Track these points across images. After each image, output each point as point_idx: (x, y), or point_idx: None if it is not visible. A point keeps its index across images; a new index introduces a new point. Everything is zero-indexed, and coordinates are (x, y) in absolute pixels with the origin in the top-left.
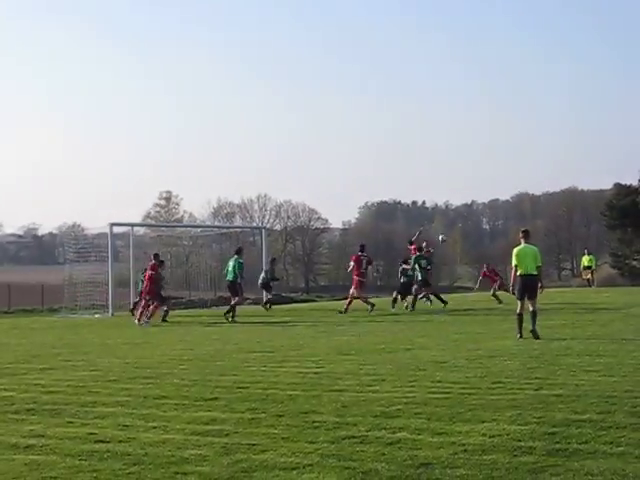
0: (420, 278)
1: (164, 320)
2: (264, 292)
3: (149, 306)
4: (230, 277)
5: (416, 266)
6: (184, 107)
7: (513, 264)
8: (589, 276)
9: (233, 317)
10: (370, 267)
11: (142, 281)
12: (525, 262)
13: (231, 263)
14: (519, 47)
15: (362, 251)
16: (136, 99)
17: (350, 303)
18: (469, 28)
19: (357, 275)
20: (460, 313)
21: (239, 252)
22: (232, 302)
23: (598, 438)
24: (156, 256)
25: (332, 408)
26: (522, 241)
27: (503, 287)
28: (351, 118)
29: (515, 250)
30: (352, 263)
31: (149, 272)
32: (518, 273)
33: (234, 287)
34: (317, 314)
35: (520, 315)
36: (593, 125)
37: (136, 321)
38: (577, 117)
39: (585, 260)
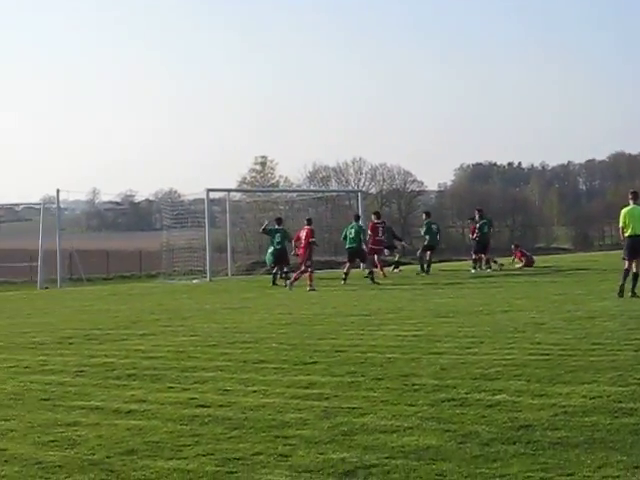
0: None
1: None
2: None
3: (306, 271)
4: (354, 244)
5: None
6: (279, 71)
7: (620, 225)
8: None
9: (372, 279)
10: (384, 234)
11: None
12: (633, 223)
13: (353, 230)
14: None
15: (378, 218)
16: (233, 63)
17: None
18: None
19: (373, 243)
20: (559, 275)
21: (357, 218)
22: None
23: None
24: (309, 221)
25: (431, 371)
26: (631, 202)
27: (529, 264)
28: (444, 79)
29: (623, 211)
30: (369, 232)
31: (308, 239)
32: (626, 234)
33: (361, 253)
34: (414, 276)
35: (626, 272)
36: None
37: (288, 283)
38: None
39: None
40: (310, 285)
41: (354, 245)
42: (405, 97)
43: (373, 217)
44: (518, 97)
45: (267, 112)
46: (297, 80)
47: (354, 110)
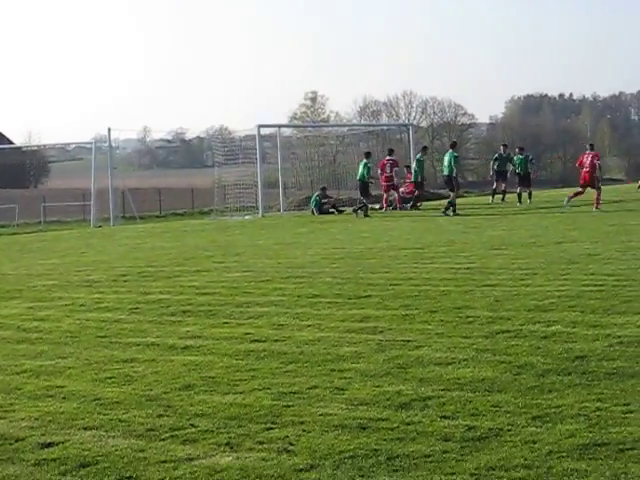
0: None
1: (366, 215)
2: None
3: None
4: (446, 172)
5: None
6: (323, 9)
7: None
8: None
9: (454, 211)
10: (397, 169)
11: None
12: None
13: (446, 158)
14: None
15: (390, 155)
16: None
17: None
18: None
19: (384, 180)
20: (612, 206)
21: (453, 146)
22: (450, 197)
23: None
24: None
25: (485, 303)
26: None
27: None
28: (495, 9)
29: None
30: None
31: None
32: None
33: (450, 181)
34: (466, 210)
35: None
36: None
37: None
38: None
39: None
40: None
41: (445, 173)
42: (455, 29)
43: (387, 154)
44: (567, 27)
45: (317, 47)
46: (345, 16)
47: (403, 44)
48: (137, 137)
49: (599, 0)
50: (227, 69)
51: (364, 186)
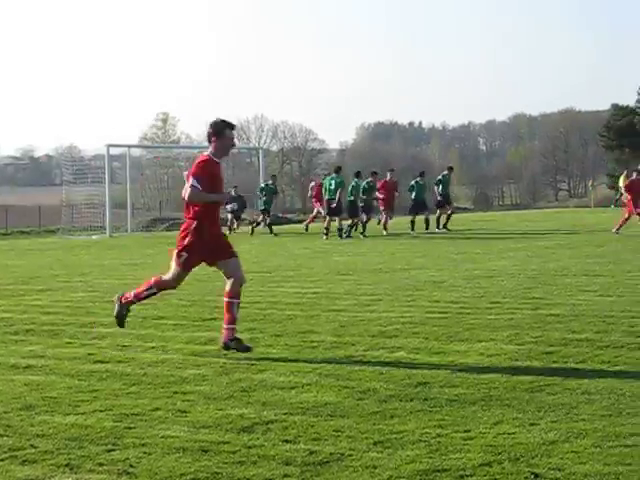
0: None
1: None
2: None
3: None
4: (330, 195)
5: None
6: (177, 27)
7: None
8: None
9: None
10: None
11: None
12: None
13: (333, 182)
14: None
15: (357, 176)
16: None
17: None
18: None
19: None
20: (458, 234)
21: (337, 171)
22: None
23: (595, 357)
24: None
25: (330, 328)
26: None
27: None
28: (346, 38)
29: None
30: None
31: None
32: None
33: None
34: (314, 235)
35: None
36: (590, 45)
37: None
38: (574, 37)
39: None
40: None
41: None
42: (308, 55)
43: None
44: (420, 57)
45: (168, 68)
46: (195, 39)
47: (255, 67)
48: None
49: (446, 33)
50: (77, 86)
51: (352, 205)
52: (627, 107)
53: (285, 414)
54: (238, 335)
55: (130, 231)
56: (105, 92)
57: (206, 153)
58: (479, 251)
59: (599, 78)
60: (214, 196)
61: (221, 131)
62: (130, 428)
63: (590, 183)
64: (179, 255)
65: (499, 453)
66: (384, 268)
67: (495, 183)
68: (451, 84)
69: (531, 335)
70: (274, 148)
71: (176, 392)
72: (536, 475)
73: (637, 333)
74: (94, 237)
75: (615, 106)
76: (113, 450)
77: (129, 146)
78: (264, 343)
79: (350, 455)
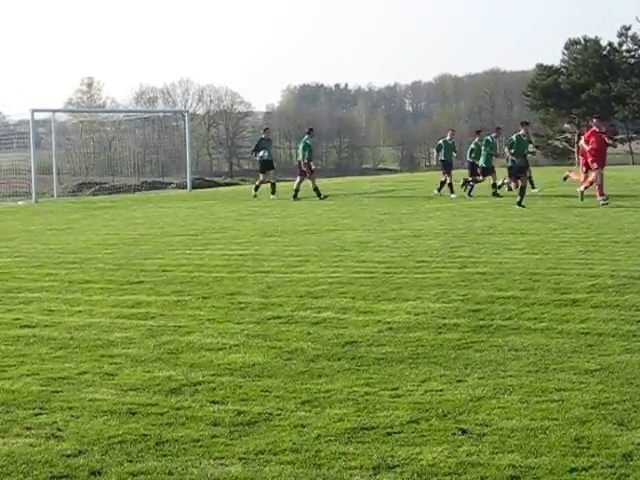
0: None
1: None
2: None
3: None
4: (300, 157)
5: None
6: None
7: None
8: None
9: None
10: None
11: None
12: None
13: (300, 145)
14: None
15: (308, 133)
16: None
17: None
18: None
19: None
20: (384, 195)
21: (310, 132)
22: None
23: (521, 314)
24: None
25: (257, 289)
26: None
27: None
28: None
29: None
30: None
31: None
32: None
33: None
34: (241, 197)
35: None
36: (515, 5)
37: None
38: None
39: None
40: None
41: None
42: (234, 17)
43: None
44: (345, 18)
45: (94, 31)
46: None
47: (181, 31)
48: None
49: None
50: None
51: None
52: (552, 67)
53: (213, 375)
54: (165, 299)
55: (56, 196)
56: (29, 57)
57: None
58: (405, 211)
59: (523, 38)
60: None
61: None
62: (57, 392)
63: None
64: None
65: (427, 410)
66: (311, 229)
67: (421, 144)
68: (377, 45)
69: (458, 293)
70: (200, 112)
71: (103, 355)
72: (464, 431)
73: (562, 290)
74: (20, 203)
75: (540, 66)
76: (40, 414)
77: (54, 110)
78: (191, 305)
79: (278, 415)
